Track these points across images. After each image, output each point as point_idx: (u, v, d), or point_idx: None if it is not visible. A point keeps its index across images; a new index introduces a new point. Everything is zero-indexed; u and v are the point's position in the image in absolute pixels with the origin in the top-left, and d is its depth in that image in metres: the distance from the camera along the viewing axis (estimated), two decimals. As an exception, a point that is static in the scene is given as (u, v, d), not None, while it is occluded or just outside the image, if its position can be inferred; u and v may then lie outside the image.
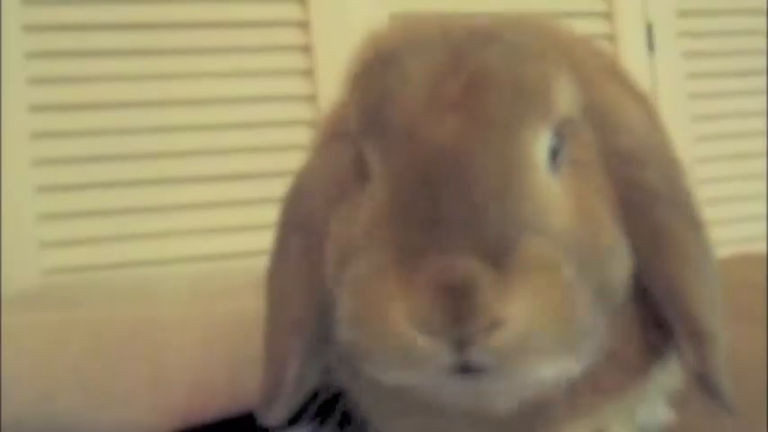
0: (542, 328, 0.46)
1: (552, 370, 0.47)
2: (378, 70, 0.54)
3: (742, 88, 2.05)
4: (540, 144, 0.51)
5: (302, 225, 0.60)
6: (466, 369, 0.46)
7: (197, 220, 1.57)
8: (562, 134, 0.53)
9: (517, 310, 0.45)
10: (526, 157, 0.50)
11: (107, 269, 1.52)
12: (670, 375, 0.63)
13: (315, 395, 0.62)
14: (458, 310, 0.44)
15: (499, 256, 0.45)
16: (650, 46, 1.94)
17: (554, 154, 0.52)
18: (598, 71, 0.60)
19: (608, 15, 1.92)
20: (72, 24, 1.57)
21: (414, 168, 0.49)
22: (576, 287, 0.47)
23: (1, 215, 1.48)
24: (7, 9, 1.51)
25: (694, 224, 0.57)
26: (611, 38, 1.90)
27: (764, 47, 2.07)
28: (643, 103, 0.64)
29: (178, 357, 0.81)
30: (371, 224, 0.50)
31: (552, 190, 0.51)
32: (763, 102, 2.05)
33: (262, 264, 0.65)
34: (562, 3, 1.85)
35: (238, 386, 0.78)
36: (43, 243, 1.51)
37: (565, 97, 0.53)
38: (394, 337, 0.46)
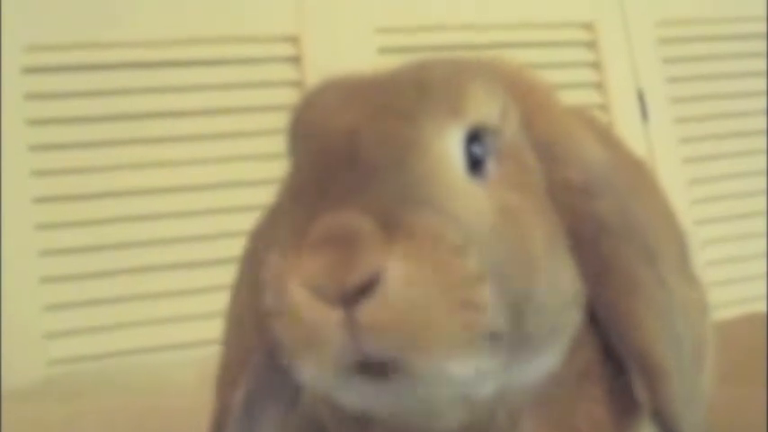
0: (426, 289, 0.45)
1: (456, 362, 0.46)
2: (300, 103, 0.57)
3: (736, 150, 2.08)
4: (447, 139, 0.52)
5: (253, 257, 0.61)
6: (366, 367, 0.46)
7: (203, 304, 1.56)
8: (487, 145, 0.53)
9: (398, 265, 0.44)
10: (426, 144, 0.50)
11: (113, 357, 1.50)
12: None
13: None
14: (339, 262, 0.44)
15: (387, 218, 0.45)
16: (643, 114, 1.96)
17: (475, 160, 0.52)
18: (550, 107, 0.61)
19: (599, 86, 1.95)
20: (74, 117, 1.59)
21: (315, 154, 0.51)
22: (474, 268, 0.47)
23: (2, 306, 1.47)
24: (8, 105, 1.54)
25: (648, 256, 0.57)
26: (605, 107, 1.93)
27: (757, 108, 2.10)
28: (605, 139, 0.64)
29: (188, 447, 0.80)
30: (279, 214, 0.52)
31: (466, 188, 0.51)
32: (759, 162, 2.07)
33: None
34: (553, 74, 1.87)
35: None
36: (48, 333, 1.50)
37: (481, 104, 0.54)
38: (292, 309, 0.46)
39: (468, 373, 0.47)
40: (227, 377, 0.63)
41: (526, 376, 0.54)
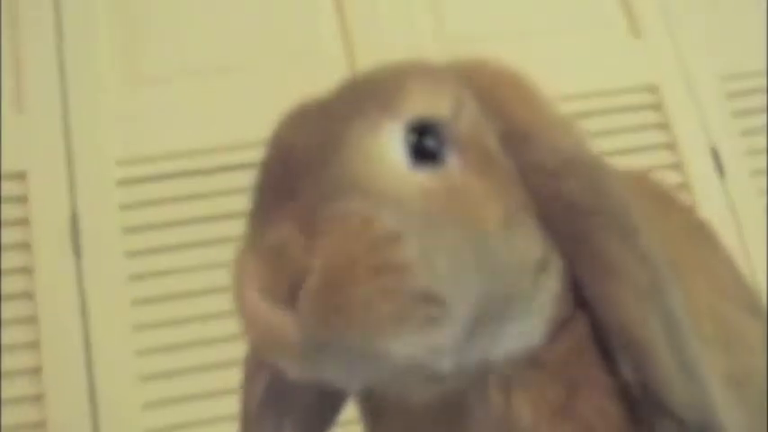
0: (343, 266, 0.48)
1: (392, 337, 0.48)
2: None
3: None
4: (381, 134, 0.54)
5: None
6: (320, 353, 0.50)
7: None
8: (440, 136, 0.56)
9: (318, 258, 0.48)
10: (356, 142, 0.53)
11: (209, 425, 1.53)
12: None
13: None
14: (277, 270, 0.49)
15: (309, 221, 0.49)
16: (719, 169, 1.94)
17: (427, 151, 0.55)
18: (526, 98, 0.63)
19: (671, 146, 1.93)
20: (165, 222, 1.67)
21: (261, 172, 0.57)
22: (385, 231, 0.49)
23: (99, 376, 1.53)
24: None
25: (624, 234, 0.57)
26: (678, 167, 1.91)
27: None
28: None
29: None
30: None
31: (404, 176, 0.53)
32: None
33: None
34: (623, 139, 1.87)
35: None
36: (145, 403, 1.55)
37: (421, 99, 0.56)
38: (250, 314, 0.51)
39: (411, 346, 0.49)
40: (248, 376, 0.69)
41: (500, 348, 0.56)
